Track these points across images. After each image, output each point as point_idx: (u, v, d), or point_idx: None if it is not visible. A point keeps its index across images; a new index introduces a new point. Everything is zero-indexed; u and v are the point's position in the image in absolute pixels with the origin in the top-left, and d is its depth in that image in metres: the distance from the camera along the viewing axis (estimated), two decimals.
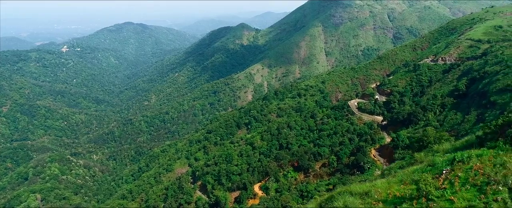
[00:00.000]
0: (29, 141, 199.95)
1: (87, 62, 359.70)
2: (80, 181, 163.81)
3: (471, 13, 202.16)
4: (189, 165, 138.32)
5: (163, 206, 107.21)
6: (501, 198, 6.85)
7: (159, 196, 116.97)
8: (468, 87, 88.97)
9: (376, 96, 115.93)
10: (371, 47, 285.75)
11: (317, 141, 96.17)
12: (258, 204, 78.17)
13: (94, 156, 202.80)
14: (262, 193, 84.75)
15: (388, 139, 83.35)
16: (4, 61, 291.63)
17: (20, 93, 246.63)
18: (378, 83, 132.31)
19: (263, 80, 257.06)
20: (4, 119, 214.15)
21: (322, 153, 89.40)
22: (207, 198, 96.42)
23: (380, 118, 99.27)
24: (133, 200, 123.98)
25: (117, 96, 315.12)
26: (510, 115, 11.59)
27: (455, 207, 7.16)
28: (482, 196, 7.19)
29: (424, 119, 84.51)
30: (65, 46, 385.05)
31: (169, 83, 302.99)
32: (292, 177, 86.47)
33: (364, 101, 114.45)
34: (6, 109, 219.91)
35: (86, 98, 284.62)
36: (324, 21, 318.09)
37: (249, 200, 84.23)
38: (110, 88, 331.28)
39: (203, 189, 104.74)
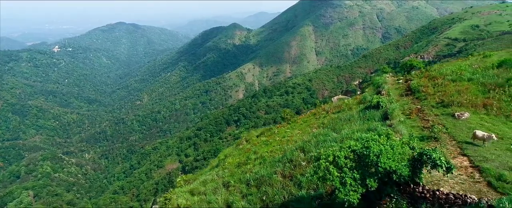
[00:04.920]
0: (20, 141, 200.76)
1: (79, 62, 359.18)
2: (72, 179, 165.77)
3: (452, 13, 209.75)
4: (180, 161, 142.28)
5: (154, 199, 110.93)
6: (323, 117, 11.78)
7: (150, 190, 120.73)
8: None
9: (358, 92, 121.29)
10: (360, 46, 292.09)
11: None
12: None
13: (86, 155, 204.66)
14: None
15: None
16: None
17: (11, 93, 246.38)
18: (361, 80, 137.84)
19: (254, 79, 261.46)
20: None
21: None
22: None
23: None
24: (124, 195, 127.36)
25: (109, 96, 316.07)
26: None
27: (299, 123, 12.27)
28: (315, 118, 12.25)
29: None
30: (57, 46, 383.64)
31: (161, 83, 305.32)
32: None
33: (346, 97, 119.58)
34: None
35: (78, 98, 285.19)
36: (314, 21, 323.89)
37: None
38: (102, 88, 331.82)
39: None
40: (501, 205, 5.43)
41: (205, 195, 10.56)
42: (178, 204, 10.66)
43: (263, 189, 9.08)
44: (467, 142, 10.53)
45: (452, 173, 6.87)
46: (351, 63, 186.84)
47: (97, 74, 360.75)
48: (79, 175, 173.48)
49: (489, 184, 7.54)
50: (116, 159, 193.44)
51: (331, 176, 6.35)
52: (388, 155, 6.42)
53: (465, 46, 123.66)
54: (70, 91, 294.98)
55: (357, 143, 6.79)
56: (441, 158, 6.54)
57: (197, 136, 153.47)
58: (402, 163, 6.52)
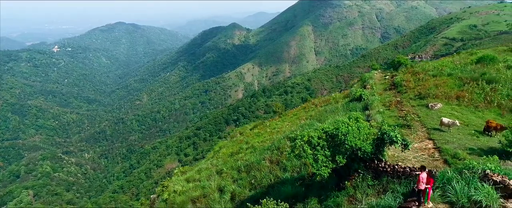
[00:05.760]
0: (20, 140, 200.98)
1: (78, 62, 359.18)
2: (72, 178, 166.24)
3: (450, 13, 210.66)
4: (179, 161, 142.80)
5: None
6: (312, 110, 12.51)
7: (150, 189, 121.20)
8: None
9: None
10: (359, 46, 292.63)
11: None
12: None
13: (86, 154, 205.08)
14: None
15: None
16: None
17: (10, 92, 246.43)
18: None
19: (254, 79, 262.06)
20: None
21: None
22: None
23: None
24: (124, 194, 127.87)
25: (108, 95, 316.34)
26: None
27: (289, 116, 13.04)
28: (304, 111, 12.99)
29: None
30: (56, 46, 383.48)
31: (160, 83, 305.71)
32: None
33: None
34: None
35: (78, 97, 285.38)
36: (313, 20, 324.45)
37: None
38: (101, 88, 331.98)
39: None
40: (445, 174, 6.32)
41: (200, 182, 11.33)
42: (174, 190, 11.38)
43: (252, 173, 9.98)
44: (435, 128, 11.67)
45: (409, 149, 7.87)
46: (350, 63, 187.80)
47: (96, 74, 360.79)
48: (78, 174, 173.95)
49: (445, 161, 8.51)
50: (116, 158, 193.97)
51: (305, 154, 7.25)
52: (355, 135, 7.37)
53: (463, 46, 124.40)
54: (70, 91, 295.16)
55: (330, 126, 7.67)
56: (397, 136, 7.53)
57: (196, 135, 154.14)
58: (367, 142, 7.52)
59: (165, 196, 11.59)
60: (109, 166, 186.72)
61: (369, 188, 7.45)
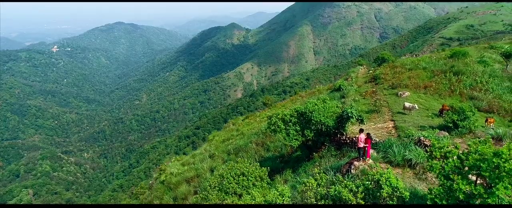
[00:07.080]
0: (20, 140, 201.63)
1: (77, 62, 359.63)
2: (71, 177, 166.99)
3: (447, 13, 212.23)
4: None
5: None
6: (298, 101, 13.67)
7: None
8: None
9: None
10: (358, 46, 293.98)
11: None
12: None
13: (85, 154, 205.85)
14: None
15: None
16: None
17: (10, 92, 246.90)
18: None
19: (253, 79, 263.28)
20: None
21: None
22: None
23: None
24: (124, 193, 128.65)
25: (108, 95, 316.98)
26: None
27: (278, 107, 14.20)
28: (292, 102, 14.15)
29: None
30: (55, 46, 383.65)
31: (160, 83, 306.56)
32: None
33: None
34: None
35: (77, 97, 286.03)
36: (312, 20, 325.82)
37: None
38: (100, 88, 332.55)
39: None
40: (389, 141, 7.60)
41: (194, 164, 12.45)
42: (171, 173, 12.44)
43: (240, 155, 11.26)
44: (399, 112, 13.37)
45: (364, 123, 9.14)
46: (348, 63, 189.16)
47: (96, 74, 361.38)
48: (78, 174, 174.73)
49: (399, 136, 9.85)
50: (115, 158, 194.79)
51: (278, 129, 8.50)
52: (320, 112, 8.66)
53: (460, 46, 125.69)
54: (69, 90, 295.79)
55: (301, 106, 8.93)
56: (353, 112, 8.87)
57: (195, 135, 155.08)
58: (331, 118, 8.80)
59: (163, 178, 12.69)
60: (109, 166, 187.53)
61: (332, 157, 8.82)
